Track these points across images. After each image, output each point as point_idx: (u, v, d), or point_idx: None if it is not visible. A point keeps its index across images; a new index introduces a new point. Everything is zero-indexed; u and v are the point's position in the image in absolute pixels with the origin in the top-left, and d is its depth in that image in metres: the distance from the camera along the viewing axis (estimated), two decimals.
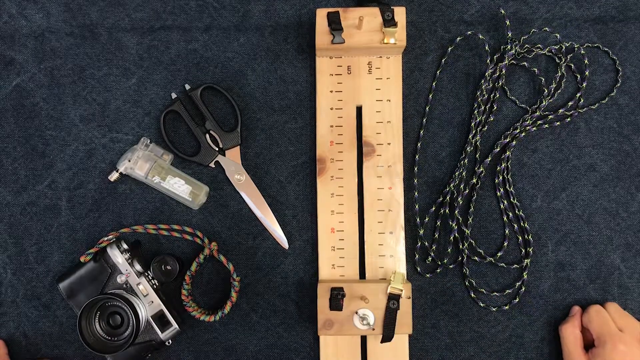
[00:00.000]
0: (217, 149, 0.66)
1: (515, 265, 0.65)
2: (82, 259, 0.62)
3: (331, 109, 0.65)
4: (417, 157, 0.66)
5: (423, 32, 0.67)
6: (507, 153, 0.65)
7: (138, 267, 0.62)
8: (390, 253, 0.64)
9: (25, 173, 0.66)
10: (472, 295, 0.66)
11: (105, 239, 0.63)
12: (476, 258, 0.65)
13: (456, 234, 0.65)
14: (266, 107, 0.67)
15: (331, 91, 0.65)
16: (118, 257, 0.61)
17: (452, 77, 0.67)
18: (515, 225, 0.66)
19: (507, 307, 0.65)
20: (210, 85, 0.66)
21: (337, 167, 0.65)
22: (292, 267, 0.66)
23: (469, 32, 0.66)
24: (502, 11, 0.65)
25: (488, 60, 0.66)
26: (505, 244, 0.65)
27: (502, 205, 0.66)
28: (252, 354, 0.65)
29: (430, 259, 0.65)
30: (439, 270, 0.66)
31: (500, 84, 0.66)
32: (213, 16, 0.67)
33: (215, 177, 0.66)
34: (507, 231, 0.66)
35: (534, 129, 0.66)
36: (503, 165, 0.66)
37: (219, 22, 0.67)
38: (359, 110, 0.65)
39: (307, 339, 0.66)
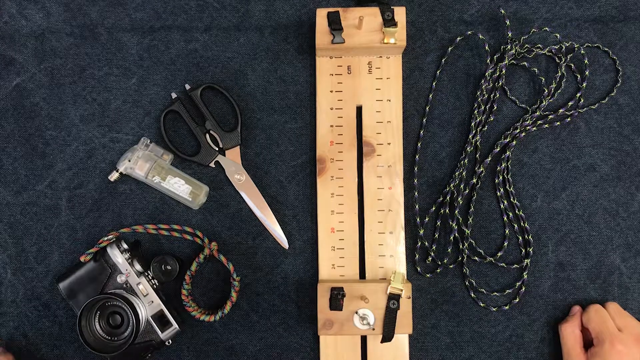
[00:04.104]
0: (217, 149, 0.66)
1: (515, 265, 0.65)
2: (82, 259, 0.62)
3: (331, 109, 0.65)
4: (417, 157, 0.66)
5: (423, 32, 0.67)
6: (507, 153, 0.65)
7: (138, 267, 0.62)
8: (390, 253, 0.64)
9: (25, 173, 0.66)
10: (472, 295, 0.66)
11: (105, 239, 0.63)
12: (476, 258, 0.65)
13: (456, 234, 0.65)
14: (266, 107, 0.67)
15: (331, 91, 0.65)
16: (118, 257, 0.61)
17: (452, 77, 0.67)
18: (515, 225, 0.66)
19: (507, 307, 0.65)
20: (210, 85, 0.66)
21: (337, 167, 0.65)
22: (292, 267, 0.66)
23: (469, 32, 0.66)
24: (502, 11, 0.65)
25: (488, 60, 0.66)
26: (505, 244, 0.65)
27: (502, 205, 0.66)
28: (252, 354, 0.65)
29: (430, 259, 0.65)
30: (439, 270, 0.66)
31: (500, 84, 0.66)
32: (213, 16, 0.67)
33: (215, 177, 0.66)
34: (507, 231, 0.66)
35: (534, 129, 0.66)
36: (503, 165, 0.66)
37: (219, 22, 0.67)
38: (359, 110, 0.65)
39: (307, 339, 0.66)
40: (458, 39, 0.67)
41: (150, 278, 0.62)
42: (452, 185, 0.65)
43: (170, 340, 0.62)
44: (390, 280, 0.61)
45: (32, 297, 0.66)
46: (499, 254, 0.65)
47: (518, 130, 0.66)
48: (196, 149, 0.66)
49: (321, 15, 0.62)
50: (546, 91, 0.66)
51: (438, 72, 0.67)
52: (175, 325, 0.62)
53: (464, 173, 0.66)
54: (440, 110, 0.67)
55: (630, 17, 0.67)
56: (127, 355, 0.61)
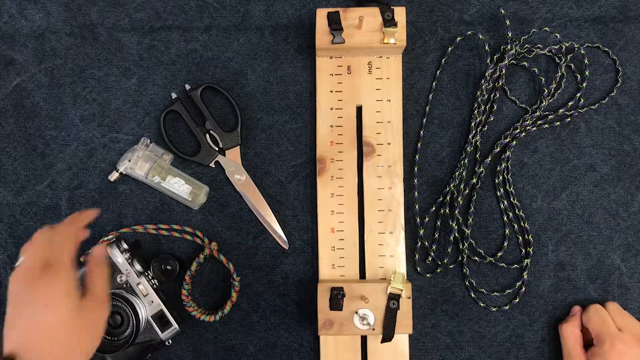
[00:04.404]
0: (217, 149, 0.66)
1: (515, 265, 0.65)
2: (82, 259, 0.62)
3: (331, 109, 0.65)
4: (417, 157, 0.66)
5: (423, 32, 0.67)
6: (507, 153, 0.65)
7: (138, 267, 0.62)
8: (390, 253, 0.64)
9: (25, 173, 0.66)
10: (472, 295, 0.66)
11: (105, 239, 0.63)
12: (476, 258, 0.65)
13: (456, 234, 0.65)
14: (266, 107, 0.67)
15: (331, 91, 0.65)
16: (118, 257, 0.61)
17: (452, 77, 0.67)
18: (515, 225, 0.66)
19: (507, 307, 0.65)
20: (210, 85, 0.66)
21: (337, 167, 0.65)
22: (292, 267, 0.66)
23: (469, 32, 0.66)
24: (502, 11, 0.65)
25: (488, 60, 0.66)
26: (505, 244, 0.65)
27: (502, 205, 0.66)
28: (252, 354, 0.65)
29: (430, 259, 0.65)
30: (439, 270, 0.66)
31: (500, 84, 0.66)
32: (213, 16, 0.67)
33: (215, 177, 0.66)
34: (507, 231, 0.66)
35: (534, 129, 0.66)
36: (503, 165, 0.66)
37: (219, 22, 0.67)
38: (359, 110, 0.65)
39: (307, 339, 0.66)
40: (458, 39, 0.67)
41: (150, 278, 0.62)
42: (452, 185, 0.65)
43: (170, 340, 0.62)
44: (390, 280, 0.61)
45: None
46: (499, 254, 0.65)
47: (518, 130, 0.66)
48: (196, 149, 0.66)
49: (321, 15, 0.62)
50: (546, 91, 0.66)
51: (438, 72, 0.67)
52: (175, 325, 0.62)
53: (464, 173, 0.66)
54: (440, 110, 0.67)
55: (630, 17, 0.67)
56: (127, 356, 0.61)
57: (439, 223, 0.66)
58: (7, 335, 0.46)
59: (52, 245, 0.50)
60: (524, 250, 0.66)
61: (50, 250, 0.50)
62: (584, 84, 0.66)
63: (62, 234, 0.52)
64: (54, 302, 0.47)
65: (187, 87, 0.66)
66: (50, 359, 0.46)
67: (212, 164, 0.66)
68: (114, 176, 0.65)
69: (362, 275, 0.64)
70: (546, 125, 0.66)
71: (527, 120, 0.66)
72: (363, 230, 0.64)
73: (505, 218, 0.66)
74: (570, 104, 0.66)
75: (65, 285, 0.48)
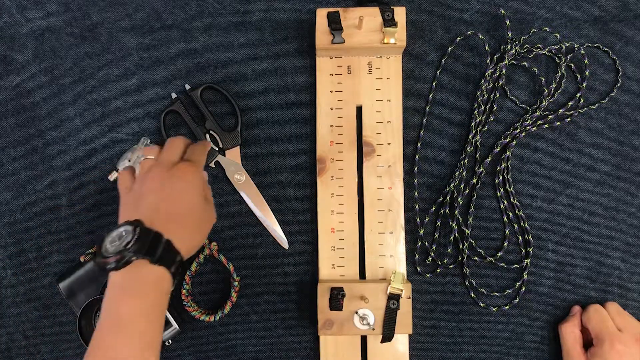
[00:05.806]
0: (217, 149, 0.66)
1: (515, 265, 0.65)
2: (82, 259, 0.62)
3: (331, 109, 0.65)
4: (417, 157, 0.66)
5: (423, 32, 0.67)
6: (507, 153, 0.65)
7: None
8: (390, 253, 0.64)
9: (25, 173, 0.66)
10: (472, 295, 0.66)
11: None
12: (476, 258, 0.65)
13: (456, 234, 0.65)
14: (266, 107, 0.67)
15: (331, 91, 0.65)
16: None
17: (452, 77, 0.67)
18: (515, 225, 0.66)
19: (507, 307, 0.65)
20: (210, 85, 0.66)
21: (337, 167, 0.65)
22: (292, 267, 0.66)
23: (469, 32, 0.66)
24: (502, 11, 0.65)
25: (488, 60, 0.66)
26: (505, 244, 0.65)
27: (502, 205, 0.66)
28: (252, 354, 0.65)
29: (430, 259, 0.65)
30: (439, 270, 0.66)
31: (500, 84, 0.66)
32: (213, 16, 0.67)
33: (215, 177, 0.66)
34: (507, 231, 0.66)
35: (534, 129, 0.66)
36: (503, 165, 0.66)
37: (219, 22, 0.67)
38: (359, 110, 0.65)
39: (307, 339, 0.66)
40: (458, 39, 0.67)
41: None
42: (452, 185, 0.65)
43: (170, 340, 0.62)
44: (390, 280, 0.61)
45: (32, 297, 0.66)
46: (499, 254, 0.65)
47: (518, 130, 0.66)
48: None
49: (321, 15, 0.62)
50: (546, 91, 0.66)
51: (438, 72, 0.67)
52: (175, 325, 0.62)
53: (464, 173, 0.66)
54: (440, 110, 0.67)
55: (630, 17, 0.67)
56: None
57: (439, 223, 0.66)
58: (148, 216, 0.50)
59: (192, 150, 0.57)
60: (524, 250, 0.66)
61: (190, 152, 0.57)
62: (584, 84, 0.66)
63: (200, 148, 0.58)
64: (199, 186, 0.54)
65: (187, 87, 0.66)
66: (189, 237, 0.52)
67: (212, 164, 0.66)
68: (113, 176, 0.65)
69: (362, 275, 0.64)
70: (546, 125, 0.66)
71: (527, 120, 0.66)
72: (363, 230, 0.64)
73: (505, 218, 0.66)
74: (570, 104, 0.66)
75: (203, 179, 0.55)
